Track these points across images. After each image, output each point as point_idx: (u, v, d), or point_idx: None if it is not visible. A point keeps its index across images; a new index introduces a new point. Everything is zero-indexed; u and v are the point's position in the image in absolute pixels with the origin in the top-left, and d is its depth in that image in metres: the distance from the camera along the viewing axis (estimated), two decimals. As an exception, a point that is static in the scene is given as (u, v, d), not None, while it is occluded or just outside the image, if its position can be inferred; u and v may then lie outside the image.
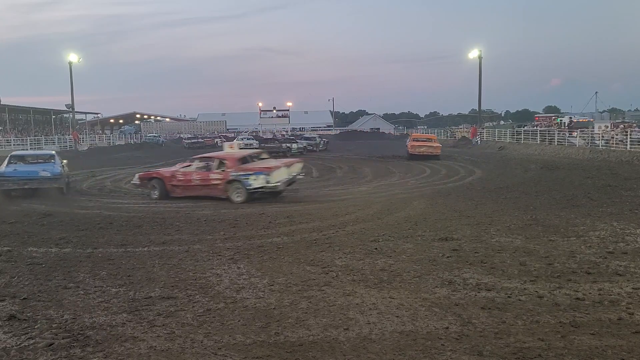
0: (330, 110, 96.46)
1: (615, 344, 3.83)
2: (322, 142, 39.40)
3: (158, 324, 4.39)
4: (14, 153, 16.52)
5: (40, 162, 15.33)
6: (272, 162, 13.34)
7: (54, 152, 17.05)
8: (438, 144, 26.49)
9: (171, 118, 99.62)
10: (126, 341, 4.02)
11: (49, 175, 14.04)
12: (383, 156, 28.38)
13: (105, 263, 6.51)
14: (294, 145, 33.13)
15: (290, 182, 13.15)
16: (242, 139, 41.78)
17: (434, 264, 6.12)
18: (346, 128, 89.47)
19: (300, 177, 14.00)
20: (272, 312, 4.63)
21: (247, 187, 12.11)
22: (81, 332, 4.21)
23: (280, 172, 12.47)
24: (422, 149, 24.89)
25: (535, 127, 43.36)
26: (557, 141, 29.82)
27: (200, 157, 13.77)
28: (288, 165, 13.23)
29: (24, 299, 5.12)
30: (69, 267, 6.34)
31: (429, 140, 27.49)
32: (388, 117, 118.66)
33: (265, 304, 4.87)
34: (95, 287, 5.50)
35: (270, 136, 53.94)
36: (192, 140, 52.45)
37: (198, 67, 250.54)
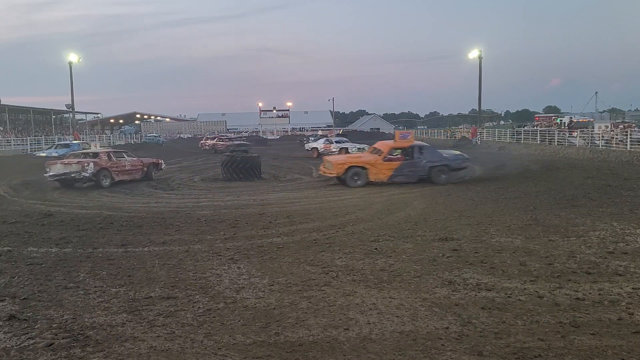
0: (330, 110, 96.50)
1: (615, 344, 3.83)
2: None
3: (158, 324, 4.39)
4: (56, 143, 33.95)
5: (62, 148, 29.16)
6: (61, 159, 17.88)
7: (76, 141, 33.17)
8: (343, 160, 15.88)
9: (171, 118, 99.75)
10: (126, 341, 4.02)
11: (61, 154, 24.24)
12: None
13: (105, 263, 6.51)
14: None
15: (67, 177, 15.74)
16: (330, 139, 32.20)
17: (434, 264, 6.12)
18: (346, 128, 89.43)
19: (82, 175, 15.58)
20: (272, 312, 4.63)
21: None
22: (81, 332, 4.21)
23: (56, 167, 16.08)
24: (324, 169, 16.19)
25: (535, 127, 43.35)
26: (557, 141, 29.80)
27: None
28: (65, 164, 16.04)
29: (24, 299, 5.12)
30: (69, 267, 6.34)
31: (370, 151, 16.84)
32: (388, 117, 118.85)
33: (265, 304, 4.87)
34: (95, 287, 5.50)
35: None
36: (236, 142, 37.87)
37: (198, 67, 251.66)
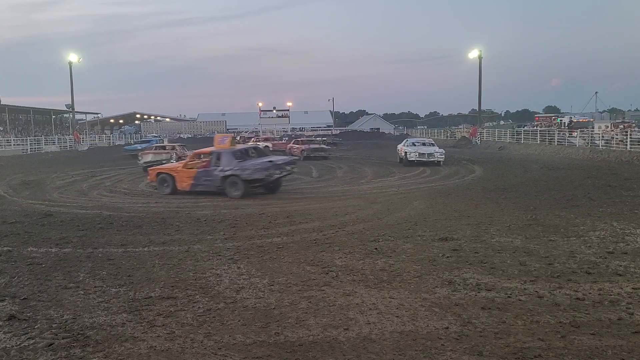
0: (330, 110, 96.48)
1: (615, 344, 3.83)
2: None
3: (158, 324, 4.39)
4: (138, 140, 46.37)
5: (144, 143, 35.66)
6: (152, 150, 23.54)
7: (155, 138, 45.68)
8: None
9: (171, 118, 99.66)
10: (126, 341, 4.02)
11: (143, 147, 29.64)
12: (383, 157, 28.33)
13: (105, 263, 6.51)
14: None
15: (156, 162, 19.89)
16: (413, 142, 24.66)
17: (434, 264, 6.12)
18: (346, 128, 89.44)
19: (170, 162, 19.47)
20: (272, 312, 4.63)
21: None
22: (81, 332, 4.21)
23: (147, 156, 21.69)
24: None
25: (535, 127, 43.37)
26: (557, 141, 29.83)
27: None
28: (155, 154, 21.93)
29: (24, 299, 5.12)
30: (69, 267, 6.34)
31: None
32: (388, 117, 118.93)
33: (265, 304, 4.87)
34: (95, 287, 5.50)
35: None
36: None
37: (198, 67, 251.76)
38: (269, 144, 34.48)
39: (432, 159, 21.81)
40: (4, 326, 4.38)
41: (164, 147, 23.75)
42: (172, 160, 20.48)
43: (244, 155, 14.03)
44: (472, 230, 8.09)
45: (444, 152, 22.63)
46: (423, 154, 22.00)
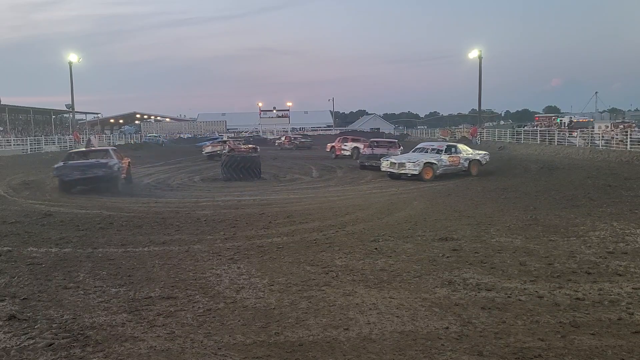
0: (330, 110, 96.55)
1: (615, 344, 3.83)
2: None
3: (158, 324, 4.39)
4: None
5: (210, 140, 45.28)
6: (212, 144, 32.99)
7: (221, 135, 61.08)
8: None
9: (171, 118, 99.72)
10: (126, 341, 4.02)
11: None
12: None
13: (105, 263, 6.51)
14: None
15: (213, 152, 29.26)
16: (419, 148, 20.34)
17: (434, 264, 6.12)
18: (346, 128, 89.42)
19: (220, 152, 27.04)
20: (272, 312, 4.63)
21: None
22: (81, 332, 4.21)
23: (207, 148, 31.07)
24: None
25: (535, 127, 43.36)
26: (557, 141, 29.84)
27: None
28: (213, 146, 31.24)
29: (24, 299, 5.11)
30: (69, 267, 6.34)
31: None
32: (388, 117, 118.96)
33: (265, 304, 4.87)
34: (95, 287, 5.49)
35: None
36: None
37: (198, 67, 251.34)
38: (360, 145, 30.06)
39: (402, 171, 16.95)
40: (4, 326, 4.37)
41: (224, 142, 32.39)
42: (224, 151, 27.36)
43: (76, 156, 15.79)
44: (472, 230, 8.09)
45: (423, 162, 16.86)
46: (394, 163, 17.47)
